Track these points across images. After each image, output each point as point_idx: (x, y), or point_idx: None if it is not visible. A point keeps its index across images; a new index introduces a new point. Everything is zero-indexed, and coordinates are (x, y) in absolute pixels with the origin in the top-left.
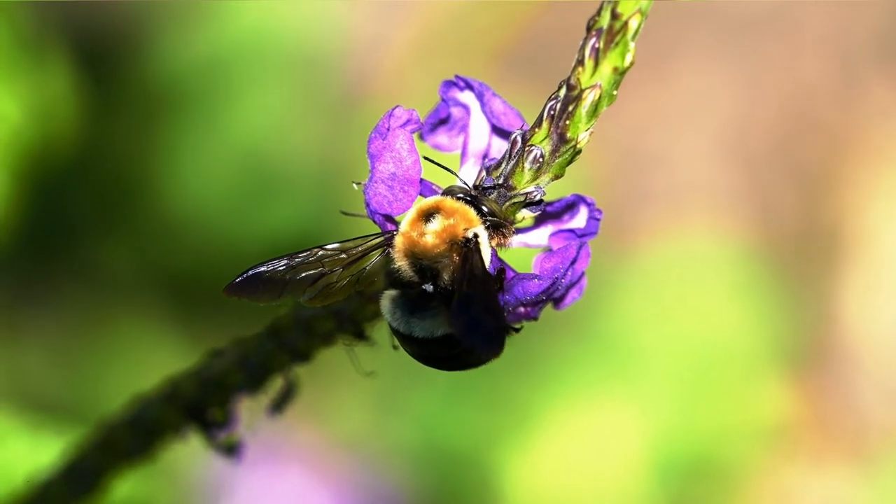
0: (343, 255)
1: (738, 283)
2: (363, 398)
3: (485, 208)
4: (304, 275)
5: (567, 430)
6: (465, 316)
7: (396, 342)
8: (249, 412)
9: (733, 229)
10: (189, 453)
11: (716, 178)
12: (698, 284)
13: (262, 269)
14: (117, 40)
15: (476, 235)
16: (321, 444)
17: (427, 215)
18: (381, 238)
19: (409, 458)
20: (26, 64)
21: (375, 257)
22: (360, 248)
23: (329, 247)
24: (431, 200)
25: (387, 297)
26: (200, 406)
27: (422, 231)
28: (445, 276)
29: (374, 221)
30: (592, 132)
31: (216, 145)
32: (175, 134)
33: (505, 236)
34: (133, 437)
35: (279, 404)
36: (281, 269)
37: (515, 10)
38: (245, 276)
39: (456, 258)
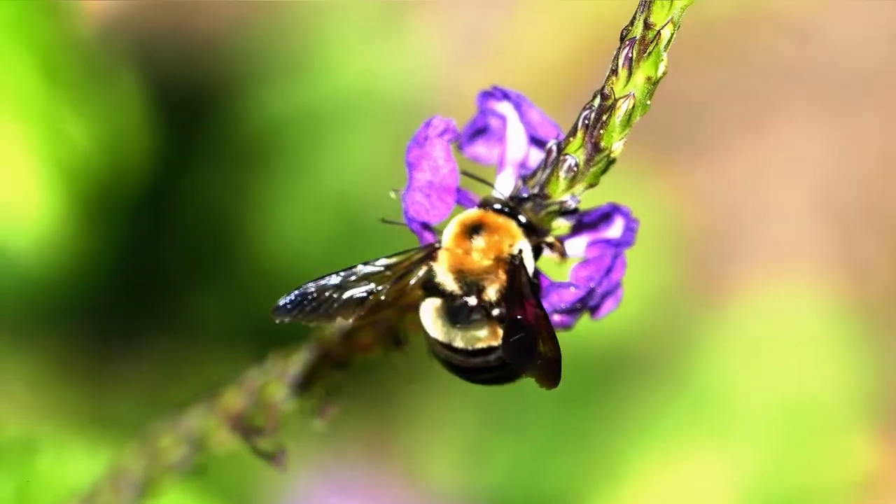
0: (388, 273)
1: (830, 337)
2: (452, 445)
3: (522, 218)
4: (351, 293)
5: (657, 481)
6: (520, 347)
7: (433, 353)
8: (293, 420)
9: (826, 285)
10: (270, 485)
11: (810, 234)
12: (790, 338)
13: (311, 287)
14: (216, 89)
15: (520, 251)
16: (407, 490)
17: (471, 231)
18: (424, 252)
19: None
20: (96, 93)
21: (419, 272)
22: (404, 264)
23: (374, 263)
24: (473, 215)
25: (428, 307)
26: (243, 415)
27: (467, 248)
28: (491, 292)
29: (412, 229)
30: (626, 141)
31: (310, 195)
32: (269, 183)
33: (553, 247)
34: (178, 446)
35: (320, 412)
36: (329, 287)
37: (589, 57)
38: (293, 296)
39: (502, 275)
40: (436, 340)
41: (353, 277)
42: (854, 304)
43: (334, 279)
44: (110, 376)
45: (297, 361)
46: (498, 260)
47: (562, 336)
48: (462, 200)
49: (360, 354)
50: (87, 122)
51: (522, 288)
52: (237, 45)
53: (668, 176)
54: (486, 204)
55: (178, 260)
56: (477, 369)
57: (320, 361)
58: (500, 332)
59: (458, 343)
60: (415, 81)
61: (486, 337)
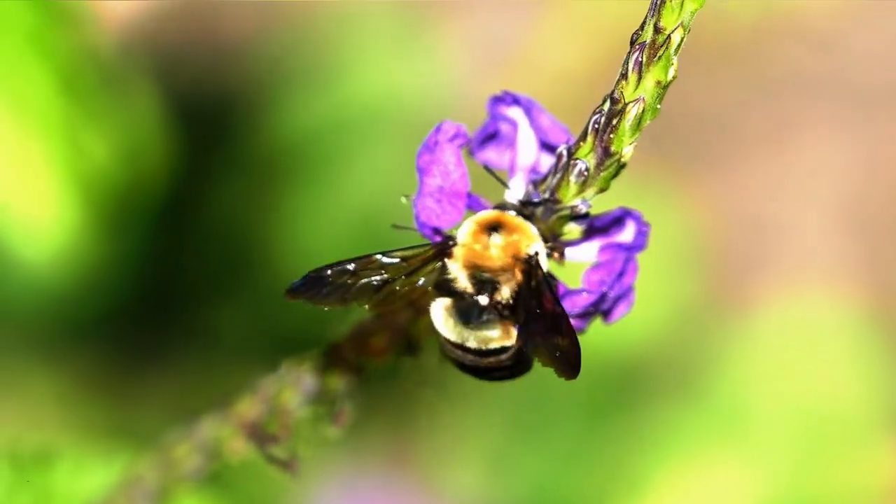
0: (404, 264)
1: (852, 348)
2: (474, 455)
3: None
4: (366, 281)
5: (679, 492)
6: (539, 342)
7: (444, 353)
8: (307, 427)
9: (848, 296)
10: (291, 494)
11: (833, 245)
12: (812, 349)
13: (326, 272)
14: (238, 99)
15: (537, 252)
16: (429, 501)
17: (489, 229)
18: (440, 247)
19: None
20: (114, 105)
21: (434, 267)
22: (420, 257)
23: (391, 254)
24: (491, 214)
25: (440, 306)
26: (257, 423)
27: (486, 244)
28: (505, 291)
29: (423, 235)
30: (636, 146)
31: (332, 206)
32: (291, 194)
33: (554, 249)
34: (192, 455)
35: (335, 418)
36: (344, 272)
37: (611, 65)
38: (308, 278)
39: (518, 274)
40: (447, 340)
41: (369, 266)
42: (876, 314)
43: (350, 266)
44: (132, 387)
45: (310, 368)
46: (515, 259)
47: (586, 348)
48: (473, 205)
49: (374, 360)
50: (105, 134)
51: (540, 286)
52: (260, 56)
53: (691, 187)
54: (500, 207)
55: (200, 271)
56: (490, 369)
57: (334, 368)
58: (513, 331)
59: (471, 343)
60: (437, 91)
61: (498, 337)
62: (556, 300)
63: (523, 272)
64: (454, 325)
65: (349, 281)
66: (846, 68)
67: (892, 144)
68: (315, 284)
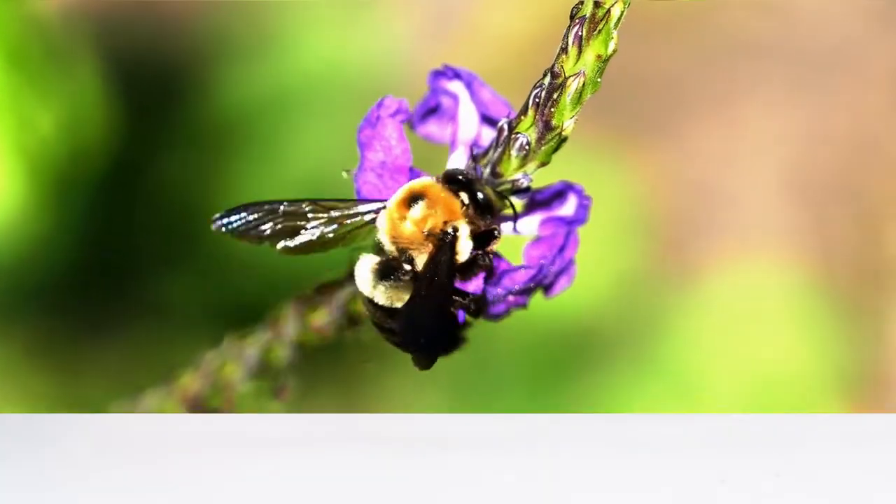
0: (332, 213)
1: (801, 314)
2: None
3: (480, 195)
4: (287, 224)
5: None
6: (409, 315)
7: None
8: (250, 401)
9: (796, 262)
10: None
11: (780, 212)
12: (761, 316)
13: (250, 206)
14: (183, 70)
15: (455, 230)
16: None
17: (411, 200)
18: (371, 208)
19: None
20: (59, 77)
21: (362, 224)
22: (348, 212)
23: (320, 203)
24: (421, 183)
25: (365, 262)
26: (199, 396)
27: (403, 215)
28: (419, 263)
29: None
30: (577, 119)
31: (279, 178)
32: (238, 167)
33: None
34: None
35: (277, 393)
36: (268, 209)
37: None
38: (236, 210)
39: (431, 249)
40: (360, 294)
41: (296, 210)
42: (824, 281)
43: (276, 205)
44: (75, 360)
45: (253, 343)
46: (430, 234)
47: (530, 315)
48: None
49: (315, 335)
50: (50, 106)
51: (438, 268)
52: (205, 24)
53: (638, 154)
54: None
55: (144, 243)
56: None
57: (276, 342)
58: None
59: (379, 299)
60: (383, 60)
61: (404, 299)
62: (446, 284)
63: (436, 247)
64: (371, 279)
65: (270, 219)
66: (794, 35)
67: (840, 111)
68: (238, 215)
